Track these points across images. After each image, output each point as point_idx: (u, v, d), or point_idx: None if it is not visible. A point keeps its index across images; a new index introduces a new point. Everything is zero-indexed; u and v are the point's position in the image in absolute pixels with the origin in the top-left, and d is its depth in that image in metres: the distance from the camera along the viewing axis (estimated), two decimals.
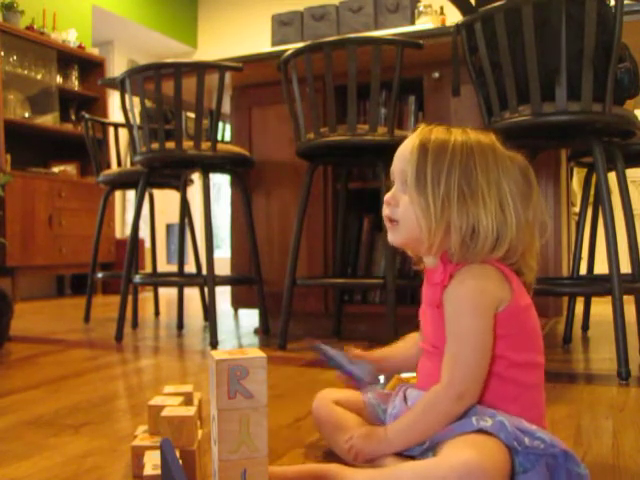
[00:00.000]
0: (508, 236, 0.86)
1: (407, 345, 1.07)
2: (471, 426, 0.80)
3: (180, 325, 2.78)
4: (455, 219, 0.86)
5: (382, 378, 1.23)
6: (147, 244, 4.68)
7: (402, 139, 0.95)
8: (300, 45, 2.09)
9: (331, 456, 1.01)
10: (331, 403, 1.03)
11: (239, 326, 2.93)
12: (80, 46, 4.99)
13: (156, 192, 3.35)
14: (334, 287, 2.41)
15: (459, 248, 0.87)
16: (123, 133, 3.96)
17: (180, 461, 0.83)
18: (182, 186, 2.90)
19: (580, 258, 2.34)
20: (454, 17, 2.07)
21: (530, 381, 0.88)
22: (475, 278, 0.86)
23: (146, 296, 4.37)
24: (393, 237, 0.94)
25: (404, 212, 0.90)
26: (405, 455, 0.89)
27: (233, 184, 2.69)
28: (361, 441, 0.90)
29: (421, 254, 0.94)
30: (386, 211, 0.93)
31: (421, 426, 0.86)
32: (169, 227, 6.45)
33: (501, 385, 0.86)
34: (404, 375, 1.19)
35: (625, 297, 1.66)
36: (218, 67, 2.24)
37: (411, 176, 0.88)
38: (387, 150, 2.09)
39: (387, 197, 0.93)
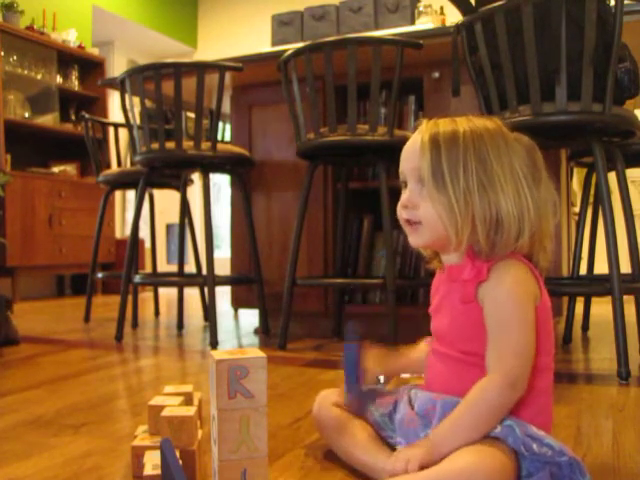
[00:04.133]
0: (527, 220, 0.85)
1: (421, 351, 1.04)
2: None
3: (180, 325, 2.78)
4: (478, 211, 0.84)
5: (382, 378, 1.23)
6: (147, 244, 4.68)
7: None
8: (300, 45, 2.09)
9: (331, 456, 1.01)
10: (332, 405, 1.02)
11: (239, 326, 2.93)
12: (80, 46, 4.99)
13: (156, 192, 3.35)
14: (334, 287, 2.41)
15: (485, 241, 0.85)
16: (123, 133, 3.96)
17: (180, 461, 0.83)
18: (182, 186, 2.90)
19: (580, 258, 2.34)
20: (454, 17, 2.07)
21: (543, 386, 0.87)
22: (515, 273, 0.85)
23: (146, 296, 4.37)
24: (416, 239, 0.90)
25: (426, 213, 0.87)
26: None
27: (233, 184, 2.69)
28: (413, 456, 0.81)
29: (448, 252, 0.91)
30: (404, 214, 0.90)
31: (471, 421, 0.80)
32: (169, 227, 6.45)
33: None
34: (404, 375, 1.18)
35: (625, 297, 1.66)
36: (218, 67, 2.24)
37: (428, 174, 0.85)
38: (387, 150, 2.09)
39: (403, 200, 0.90)
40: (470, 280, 0.86)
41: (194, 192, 5.75)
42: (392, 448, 0.93)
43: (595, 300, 2.47)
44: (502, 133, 0.88)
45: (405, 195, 0.90)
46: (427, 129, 0.88)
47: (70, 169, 4.92)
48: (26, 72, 4.58)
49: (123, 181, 3.10)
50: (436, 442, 0.81)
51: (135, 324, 2.82)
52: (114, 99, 5.60)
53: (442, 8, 2.92)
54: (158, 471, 0.84)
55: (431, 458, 0.80)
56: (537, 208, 0.86)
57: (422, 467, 0.80)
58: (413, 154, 0.89)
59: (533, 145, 0.90)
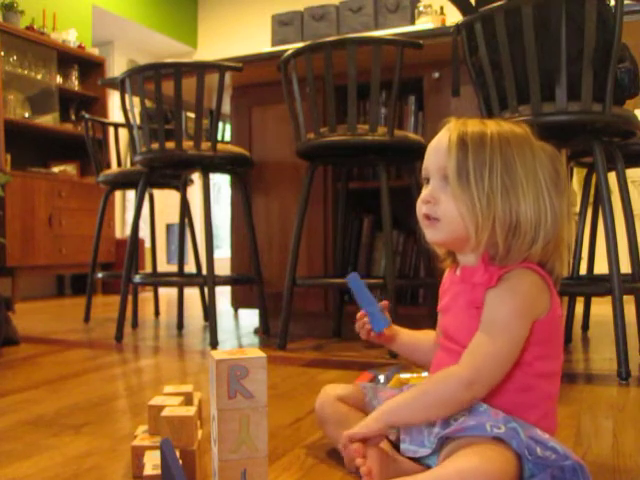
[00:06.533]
0: (543, 228, 0.85)
1: (427, 337, 1.05)
2: (484, 432, 0.79)
3: (180, 325, 2.78)
4: (499, 213, 0.85)
5: (382, 378, 1.23)
6: (147, 244, 4.68)
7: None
8: (300, 45, 2.09)
9: (331, 456, 1.01)
10: (335, 400, 1.02)
11: (239, 326, 2.93)
12: (80, 46, 4.99)
13: (156, 192, 3.35)
14: (334, 287, 2.41)
15: (503, 244, 0.85)
16: (123, 133, 3.96)
17: (180, 461, 0.83)
18: (182, 186, 2.90)
19: (580, 258, 2.34)
20: (454, 17, 2.07)
21: (550, 391, 0.88)
22: (522, 285, 0.85)
23: (146, 296, 4.37)
24: (433, 235, 0.90)
25: (446, 210, 0.87)
26: (418, 462, 0.88)
27: (233, 184, 2.69)
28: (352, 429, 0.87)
29: (464, 252, 0.91)
30: (424, 209, 0.90)
31: (422, 403, 0.83)
32: (169, 227, 6.45)
33: (525, 393, 0.86)
34: (404, 376, 1.19)
35: (625, 297, 1.66)
36: (218, 67, 2.24)
37: (453, 172, 0.86)
38: (387, 150, 2.09)
39: (425, 195, 0.90)
40: (481, 284, 0.86)
41: (194, 192, 5.75)
42: (393, 444, 0.93)
43: (595, 300, 2.47)
44: (529, 140, 0.89)
45: (427, 190, 0.90)
46: (455, 128, 0.89)
47: (70, 169, 4.92)
48: (26, 72, 4.58)
49: (123, 181, 3.10)
50: (385, 410, 0.86)
51: (135, 324, 2.82)
52: (114, 99, 5.60)
53: (442, 8, 2.92)
54: (158, 471, 0.84)
55: (373, 427, 0.85)
56: (555, 217, 0.86)
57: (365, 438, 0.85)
58: (439, 152, 0.89)
59: (557, 154, 0.90)
